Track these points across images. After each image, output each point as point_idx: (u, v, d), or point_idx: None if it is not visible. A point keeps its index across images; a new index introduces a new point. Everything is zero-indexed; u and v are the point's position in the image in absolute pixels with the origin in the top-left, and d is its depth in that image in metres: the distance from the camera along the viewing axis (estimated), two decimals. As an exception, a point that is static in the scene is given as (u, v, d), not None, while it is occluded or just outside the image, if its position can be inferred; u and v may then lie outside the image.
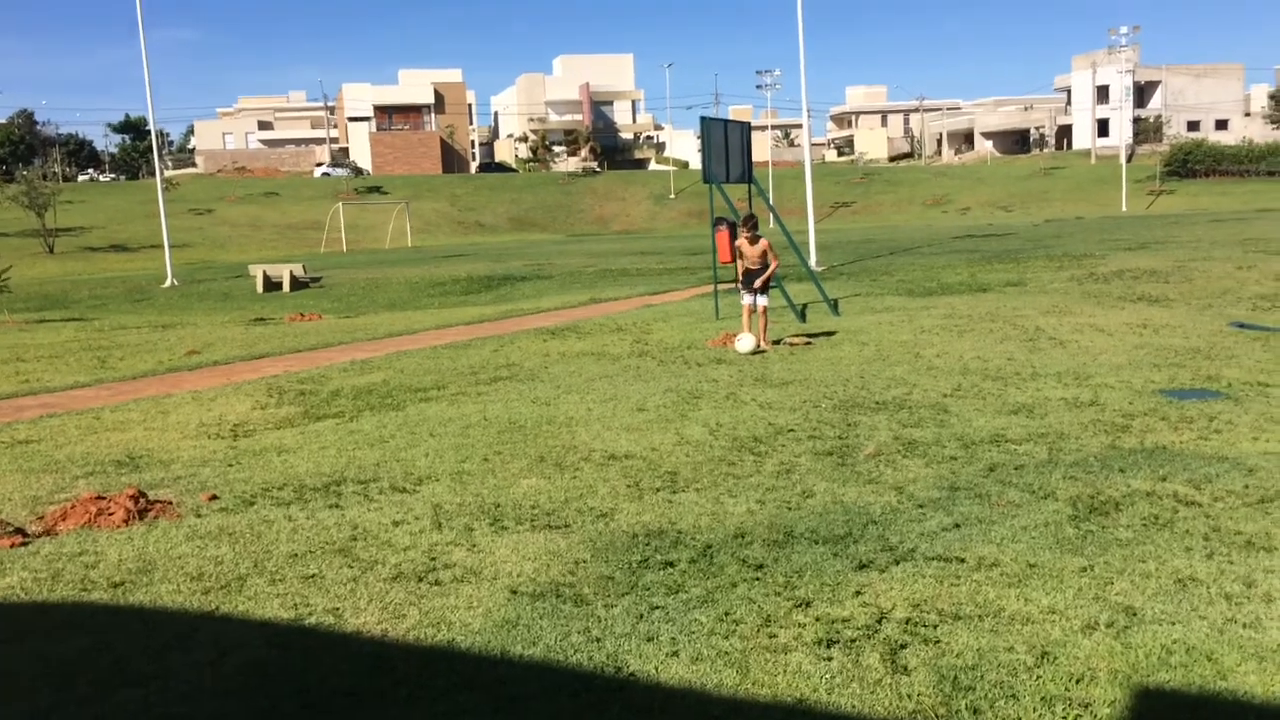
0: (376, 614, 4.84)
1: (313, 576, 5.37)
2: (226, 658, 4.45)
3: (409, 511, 6.48)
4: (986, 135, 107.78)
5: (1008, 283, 21.21)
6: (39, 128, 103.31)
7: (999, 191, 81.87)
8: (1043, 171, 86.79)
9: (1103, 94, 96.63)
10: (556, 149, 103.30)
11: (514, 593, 5.04)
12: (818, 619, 4.59)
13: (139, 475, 7.68)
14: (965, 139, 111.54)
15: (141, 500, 6.64)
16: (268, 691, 4.12)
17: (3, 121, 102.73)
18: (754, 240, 13.13)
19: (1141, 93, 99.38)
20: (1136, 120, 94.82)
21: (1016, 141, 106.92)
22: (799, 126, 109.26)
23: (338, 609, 4.92)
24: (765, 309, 13.29)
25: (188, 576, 5.43)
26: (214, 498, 6.93)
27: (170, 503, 6.79)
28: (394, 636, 4.60)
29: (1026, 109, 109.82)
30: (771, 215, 21.02)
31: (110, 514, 6.40)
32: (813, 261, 27.23)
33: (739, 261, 13.44)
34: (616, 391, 10.47)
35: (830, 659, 4.19)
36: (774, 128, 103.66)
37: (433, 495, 6.85)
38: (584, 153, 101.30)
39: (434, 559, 5.58)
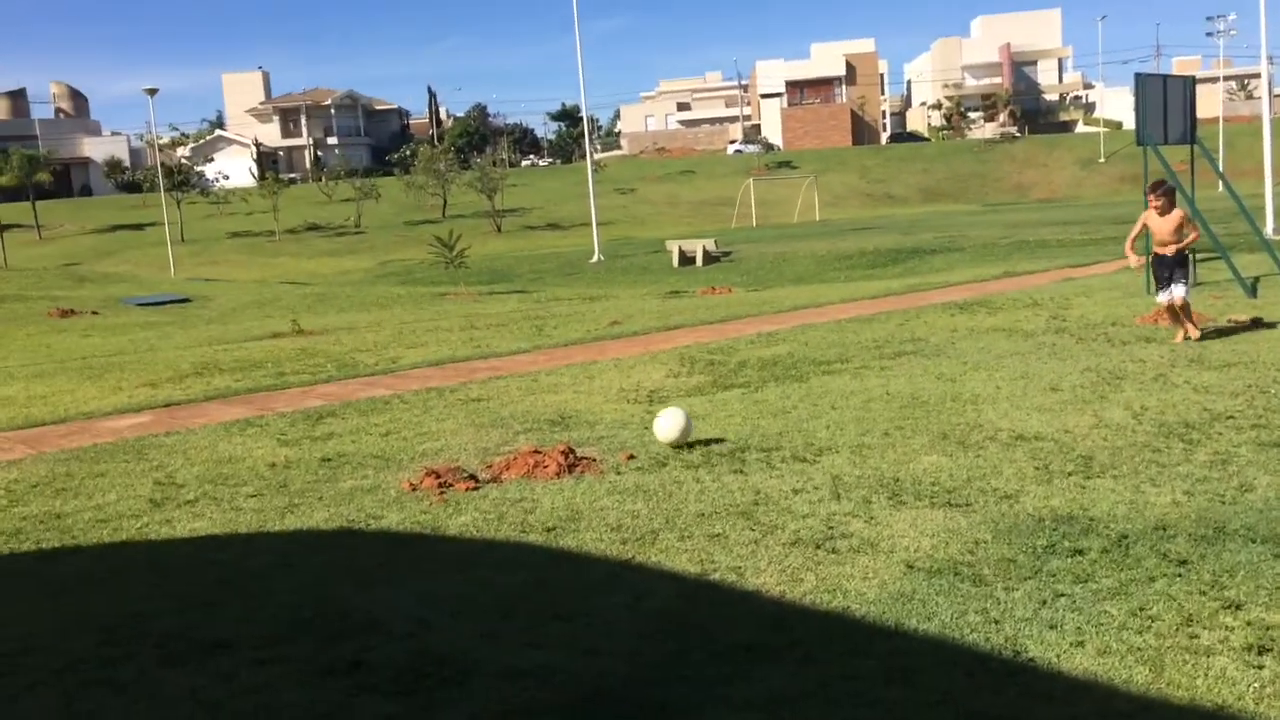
0: (776, 576, 5.06)
1: (717, 536, 5.70)
2: (641, 602, 4.86)
3: (809, 480, 6.65)
4: None
5: None
6: (490, 119, 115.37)
7: None
8: None
9: None
10: (972, 115, 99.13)
11: (910, 567, 5.05)
12: (1249, 623, 4.19)
13: (568, 433, 8.49)
14: None
15: (570, 456, 7.36)
16: (678, 638, 4.45)
17: (462, 115, 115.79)
18: (1165, 210, 11.20)
19: None
20: None
21: None
22: (1257, 76, 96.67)
23: (740, 568, 5.20)
24: (1185, 301, 11.06)
25: (608, 527, 5.97)
26: (631, 457, 7.51)
27: (594, 459, 7.46)
28: (791, 599, 4.78)
29: None
30: (1218, 179, 18.93)
31: (545, 466, 7.16)
32: (1269, 229, 24.21)
33: (1144, 237, 11.91)
34: (1028, 369, 10.00)
35: (1262, 667, 3.82)
36: (1227, 78, 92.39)
37: (832, 466, 6.98)
38: (1002, 117, 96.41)
39: (831, 528, 5.71)
